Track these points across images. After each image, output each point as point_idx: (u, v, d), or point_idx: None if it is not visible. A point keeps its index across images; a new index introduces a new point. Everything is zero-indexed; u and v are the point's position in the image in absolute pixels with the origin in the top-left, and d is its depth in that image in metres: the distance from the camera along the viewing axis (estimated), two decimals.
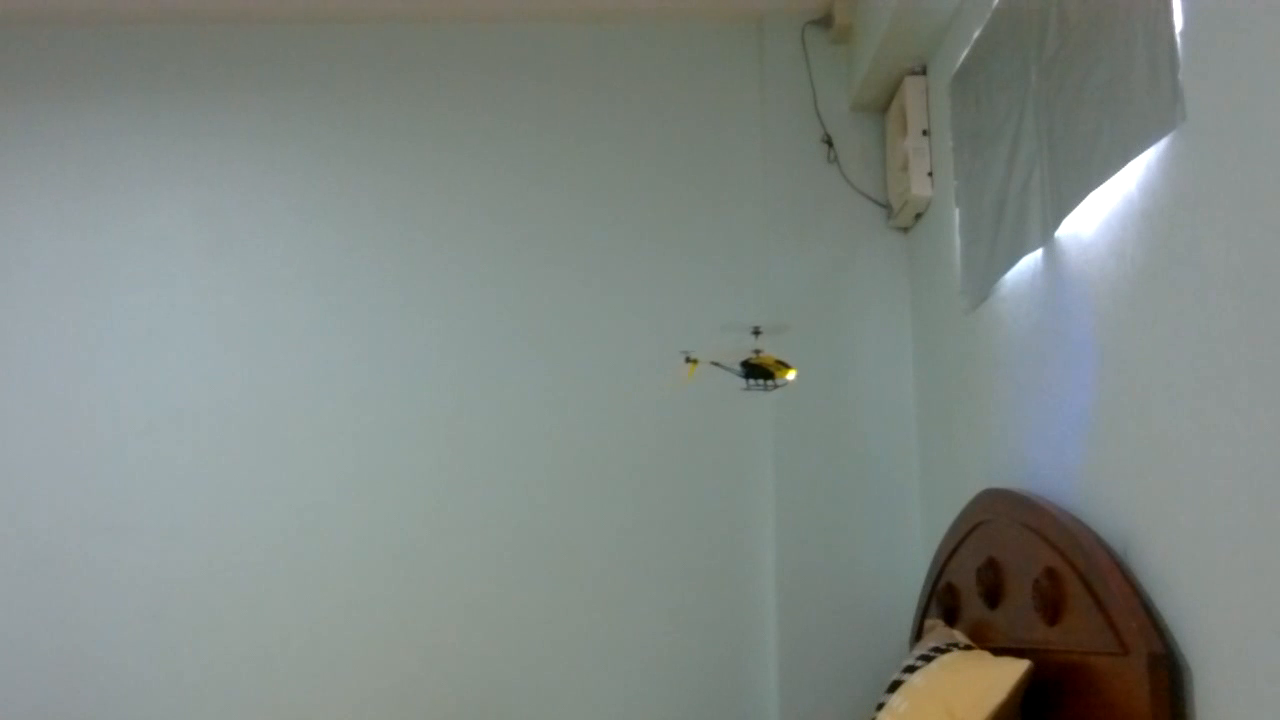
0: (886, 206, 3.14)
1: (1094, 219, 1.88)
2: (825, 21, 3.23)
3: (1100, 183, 1.83)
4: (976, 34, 2.49)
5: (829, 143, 3.19)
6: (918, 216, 3.02)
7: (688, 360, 2.68)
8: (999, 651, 2.06)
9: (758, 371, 2.62)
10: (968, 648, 2.19)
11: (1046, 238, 2.09)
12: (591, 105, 3.28)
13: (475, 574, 3.01)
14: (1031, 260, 2.18)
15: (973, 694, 1.87)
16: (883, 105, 3.17)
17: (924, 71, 2.95)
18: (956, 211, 2.66)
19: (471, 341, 3.14)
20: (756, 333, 2.65)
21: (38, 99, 3.26)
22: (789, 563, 2.96)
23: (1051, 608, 1.88)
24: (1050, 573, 1.89)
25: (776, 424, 3.04)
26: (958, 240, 2.65)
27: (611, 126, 3.27)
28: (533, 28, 3.32)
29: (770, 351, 2.64)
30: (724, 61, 3.30)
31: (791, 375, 2.64)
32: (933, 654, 2.18)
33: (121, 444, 3.06)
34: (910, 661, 2.23)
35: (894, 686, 2.19)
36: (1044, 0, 2.09)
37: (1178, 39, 1.59)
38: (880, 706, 2.19)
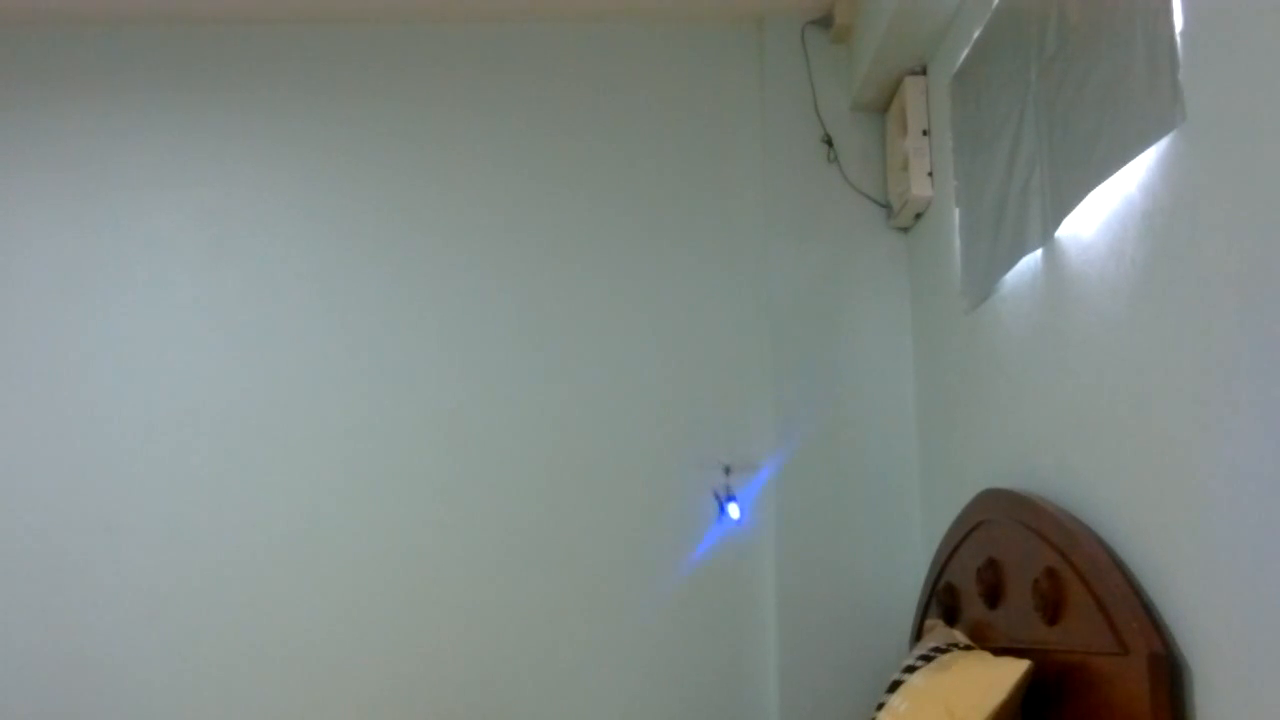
0: (886, 206, 3.14)
1: (1094, 219, 1.89)
2: (825, 21, 3.23)
3: (1100, 183, 1.83)
4: (976, 34, 2.49)
5: (829, 143, 3.18)
6: (918, 216, 3.02)
7: (716, 497, 3.00)
8: (999, 651, 2.06)
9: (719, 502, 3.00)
10: (968, 648, 2.19)
11: (1046, 238, 2.09)
12: (591, 105, 3.28)
13: (475, 574, 3.01)
14: (1031, 260, 2.18)
15: (973, 694, 1.87)
16: (883, 105, 3.17)
17: (924, 71, 2.95)
18: (956, 211, 2.66)
19: (471, 342, 3.14)
20: (727, 470, 3.00)
21: (38, 99, 3.26)
22: (789, 563, 2.96)
23: (1051, 608, 1.88)
24: (1050, 573, 1.89)
25: (777, 424, 3.04)
26: (958, 240, 2.65)
27: (611, 126, 3.27)
28: (533, 28, 3.32)
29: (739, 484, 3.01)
30: (724, 61, 3.30)
31: (734, 510, 2.97)
32: (933, 654, 2.18)
33: (121, 444, 3.06)
34: (910, 661, 2.23)
35: (894, 686, 2.19)
36: (1044, 0, 2.09)
37: (1178, 39, 1.59)
38: (880, 706, 2.19)
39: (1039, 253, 2.14)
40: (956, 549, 2.46)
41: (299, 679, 2.95)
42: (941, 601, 2.51)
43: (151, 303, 3.15)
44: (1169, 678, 1.55)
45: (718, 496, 2.92)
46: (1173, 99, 1.60)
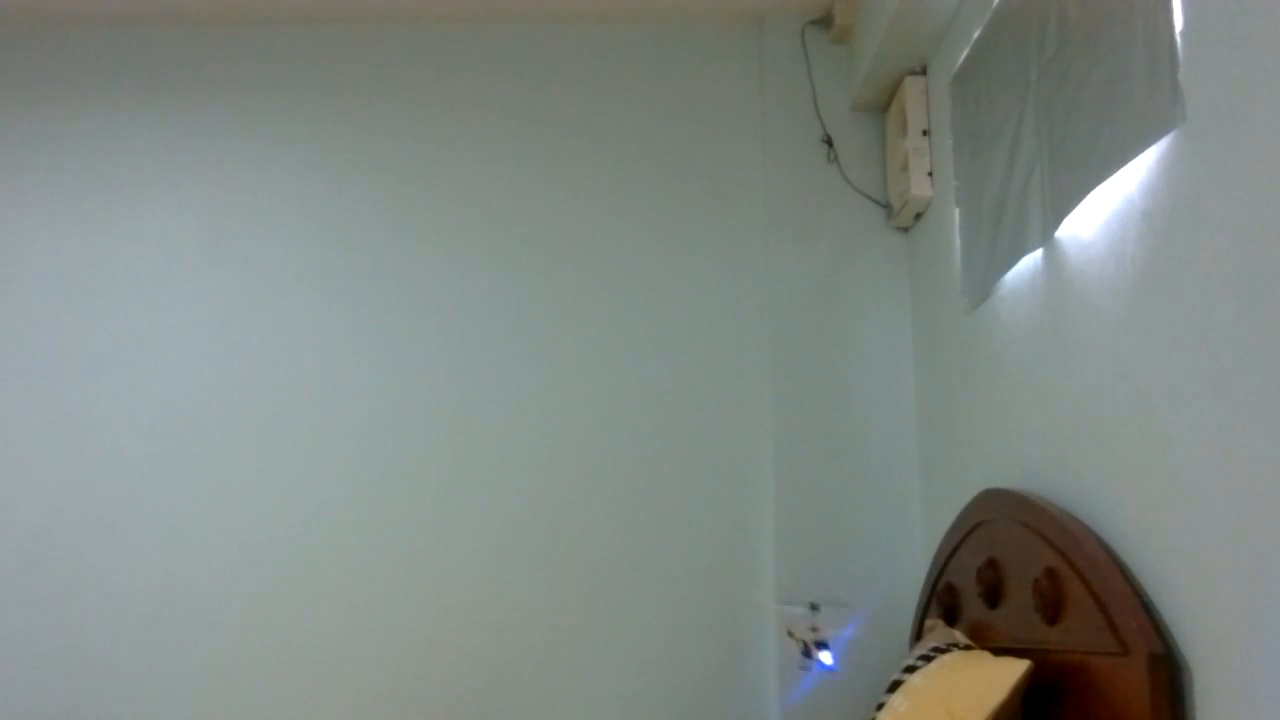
0: (886, 206, 3.14)
1: (1094, 219, 1.89)
2: (825, 21, 3.23)
3: (1100, 183, 1.83)
4: (976, 34, 2.49)
5: (829, 143, 3.18)
6: (918, 216, 3.02)
7: (790, 635, 2.86)
8: (999, 651, 2.06)
9: (805, 647, 2.83)
10: (968, 648, 2.19)
11: (1046, 238, 2.09)
12: (592, 105, 3.28)
13: (475, 574, 3.01)
14: (1031, 260, 2.18)
15: (973, 694, 1.87)
16: (883, 105, 3.17)
17: (924, 71, 2.95)
18: (956, 211, 2.66)
19: (471, 342, 3.14)
20: (814, 608, 2.85)
21: (38, 99, 3.25)
22: (789, 562, 2.96)
23: (1051, 608, 1.88)
24: (1050, 573, 1.89)
25: (776, 424, 3.04)
26: (958, 240, 2.65)
27: (611, 127, 3.27)
28: (533, 28, 3.32)
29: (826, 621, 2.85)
30: (724, 61, 3.30)
31: (826, 657, 2.75)
32: (933, 654, 2.18)
33: (121, 444, 3.06)
34: (910, 661, 2.23)
35: (894, 686, 2.19)
36: (1044, 0, 2.09)
37: (1178, 39, 1.59)
38: (880, 706, 2.19)
39: (1039, 253, 2.14)
40: (956, 549, 2.46)
41: (300, 678, 2.95)
42: (941, 601, 2.51)
43: (151, 302, 3.14)
44: (1169, 678, 1.55)
45: (796, 636, 2.79)
46: (1173, 99, 1.60)
